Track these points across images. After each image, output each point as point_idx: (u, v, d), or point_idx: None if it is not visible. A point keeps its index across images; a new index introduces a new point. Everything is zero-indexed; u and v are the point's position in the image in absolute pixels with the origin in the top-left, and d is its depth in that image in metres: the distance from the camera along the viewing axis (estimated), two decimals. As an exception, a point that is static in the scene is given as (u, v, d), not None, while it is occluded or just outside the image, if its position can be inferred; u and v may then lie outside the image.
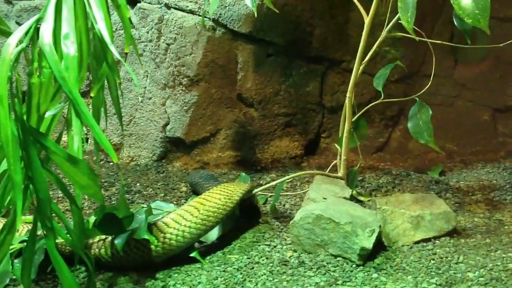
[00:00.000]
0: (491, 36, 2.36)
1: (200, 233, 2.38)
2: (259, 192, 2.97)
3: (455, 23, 2.65)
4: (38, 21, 1.77)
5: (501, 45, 2.70)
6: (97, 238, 2.31)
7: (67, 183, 2.19)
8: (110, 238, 2.28)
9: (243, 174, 3.33)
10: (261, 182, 3.44)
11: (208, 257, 2.40)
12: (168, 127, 3.71)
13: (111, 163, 3.77)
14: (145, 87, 3.76)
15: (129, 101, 3.84)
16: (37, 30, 1.78)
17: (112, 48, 1.78)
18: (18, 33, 1.73)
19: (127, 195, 3.21)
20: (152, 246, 2.27)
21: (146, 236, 2.22)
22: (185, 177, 3.50)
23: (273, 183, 2.91)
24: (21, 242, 2.18)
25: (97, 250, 2.29)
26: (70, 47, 1.72)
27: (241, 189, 2.67)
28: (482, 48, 3.39)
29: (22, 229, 2.34)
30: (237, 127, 3.69)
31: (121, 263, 2.28)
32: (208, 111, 3.64)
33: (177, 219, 2.34)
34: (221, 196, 2.53)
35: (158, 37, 3.62)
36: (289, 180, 3.26)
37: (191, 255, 2.35)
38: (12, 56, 1.68)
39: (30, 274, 1.82)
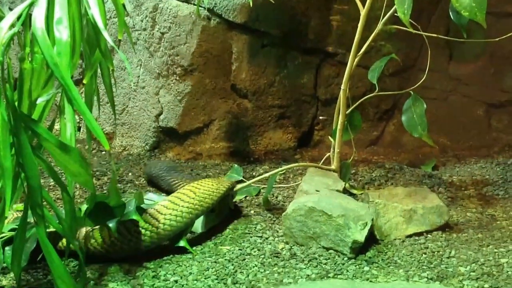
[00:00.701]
0: (487, 32, 2.36)
1: (198, 213, 2.40)
2: (252, 184, 2.95)
3: (452, 16, 2.64)
4: (31, 5, 1.74)
5: (497, 39, 2.68)
6: (89, 229, 2.29)
7: (59, 172, 2.17)
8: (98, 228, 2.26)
9: (236, 165, 3.32)
10: (254, 173, 3.42)
11: (199, 248, 2.39)
12: (161, 117, 3.69)
13: (103, 152, 3.74)
14: (139, 76, 3.74)
15: (122, 90, 3.81)
16: (29, 15, 1.75)
17: (105, 33, 1.76)
18: (11, 17, 1.71)
19: (119, 185, 3.19)
20: (154, 228, 2.26)
21: (134, 217, 2.21)
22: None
23: (266, 174, 2.90)
24: (12, 230, 2.15)
25: (90, 240, 2.26)
26: (62, 32, 1.70)
27: (228, 181, 2.72)
28: (478, 45, 3.39)
29: (13, 217, 2.31)
30: (231, 118, 3.68)
31: (122, 250, 2.26)
32: (201, 101, 3.62)
33: (175, 201, 2.36)
34: (213, 183, 2.56)
35: (152, 25, 3.59)
36: (282, 172, 3.25)
37: (180, 244, 2.33)
38: (4, 41, 1.66)
39: (21, 262, 1.81)
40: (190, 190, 2.43)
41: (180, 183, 2.99)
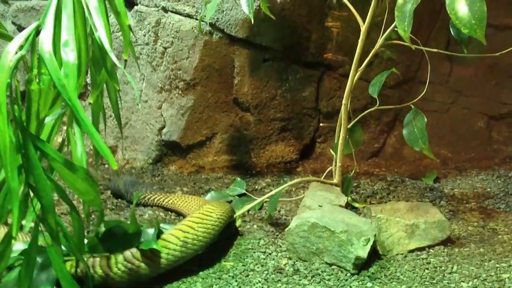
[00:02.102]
0: (487, 43, 2.38)
1: (213, 237, 2.42)
2: (255, 197, 2.97)
3: (452, 32, 2.66)
4: (38, 27, 1.77)
5: (497, 54, 2.70)
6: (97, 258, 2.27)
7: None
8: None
9: (238, 179, 3.34)
10: (256, 186, 3.44)
11: (203, 264, 2.40)
12: (164, 131, 3.71)
13: (107, 166, 3.76)
14: (141, 90, 3.76)
15: (125, 104, 3.84)
16: (36, 36, 1.78)
17: (112, 55, 1.79)
18: (18, 39, 1.73)
19: (120, 199, 3.21)
20: (173, 250, 2.26)
21: (154, 246, 2.19)
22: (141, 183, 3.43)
23: (272, 192, 2.84)
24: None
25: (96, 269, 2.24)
26: (69, 55, 1.72)
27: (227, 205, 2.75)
28: (478, 51, 3.41)
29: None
30: (233, 131, 3.70)
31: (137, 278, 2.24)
32: (204, 115, 3.64)
33: (185, 229, 2.35)
34: (218, 207, 2.57)
35: (155, 40, 3.62)
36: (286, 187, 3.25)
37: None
38: (12, 63, 1.68)
39: (31, 284, 1.80)
40: (199, 217, 2.42)
41: (149, 195, 3.10)
